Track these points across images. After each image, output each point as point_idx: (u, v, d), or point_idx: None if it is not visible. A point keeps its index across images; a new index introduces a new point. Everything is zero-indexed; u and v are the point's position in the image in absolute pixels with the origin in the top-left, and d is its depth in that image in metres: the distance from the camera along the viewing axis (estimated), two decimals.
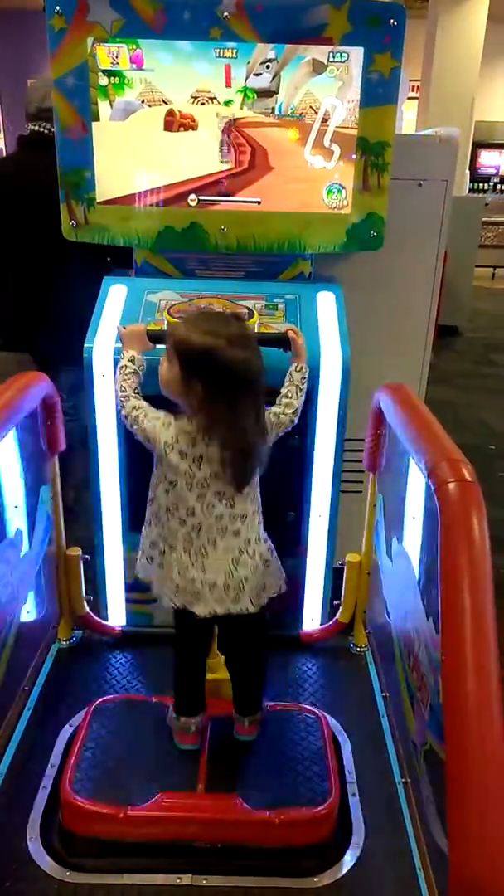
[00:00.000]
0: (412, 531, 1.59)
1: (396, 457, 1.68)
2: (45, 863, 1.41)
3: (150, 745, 1.61)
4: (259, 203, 1.86)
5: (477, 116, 8.41)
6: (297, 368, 1.59)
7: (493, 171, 10.95)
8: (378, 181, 1.84)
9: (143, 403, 1.47)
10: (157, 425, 1.41)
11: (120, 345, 1.65)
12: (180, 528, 1.44)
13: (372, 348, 2.02)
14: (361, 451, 1.93)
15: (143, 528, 1.54)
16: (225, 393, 1.32)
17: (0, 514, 1.57)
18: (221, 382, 1.32)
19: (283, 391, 1.56)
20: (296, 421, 1.55)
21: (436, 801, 1.32)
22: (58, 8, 1.68)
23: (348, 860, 1.46)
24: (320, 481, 1.91)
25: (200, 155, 1.82)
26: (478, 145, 9.99)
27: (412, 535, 1.59)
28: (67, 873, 1.40)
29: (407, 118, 7.70)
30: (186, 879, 1.40)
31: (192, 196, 1.85)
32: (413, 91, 7.71)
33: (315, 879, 1.42)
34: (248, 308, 1.83)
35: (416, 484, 1.53)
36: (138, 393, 1.50)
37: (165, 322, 1.74)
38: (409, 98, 7.44)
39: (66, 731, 1.71)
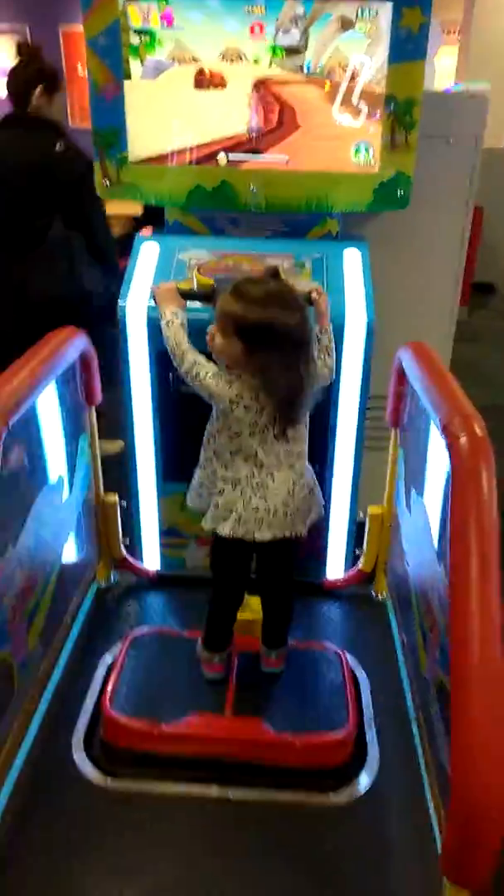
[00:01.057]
0: (431, 484, 1.66)
1: (417, 413, 1.74)
2: (89, 771, 1.59)
3: (181, 673, 1.76)
4: (287, 161, 1.90)
5: None
6: (322, 331, 1.65)
7: None
8: (406, 139, 1.85)
9: (201, 358, 1.54)
10: (221, 384, 1.50)
11: (153, 303, 1.73)
12: (244, 465, 1.56)
13: (399, 306, 2.06)
14: (385, 408, 2.00)
15: (197, 469, 1.66)
16: (284, 355, 1.44)
17: (42, 461, 1.69)
18: (281, 348, 1.44)
19: (316, 353, 1.62)
20: (331, 380, 1.65)
21: (445, 731, 1.43)
22: None
23: (362, 782, 1.60)
24: (344, 437, 1.98)
25: (230, 114, 1.86)
26: None
27: (431, 488, 1.67)
28: (108, 780, 1.57)
29: (445, 64, 7.39)
30: (213, 791, 1.55)
31: (222, 155, 1.90)
32: (453, 33, 7.37)
33: (331, 797, 1.56)
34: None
35: (436, 439, 1.60)
36: (193, 348, 1.57)
37: (194, 280, 1.81)
38: (444, 45, 7.13)
39: (106, 659, 1.88)
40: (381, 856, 1.45)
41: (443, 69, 7.01)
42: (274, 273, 1.51)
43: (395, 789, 1.58)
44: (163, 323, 1.60)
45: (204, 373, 1.51)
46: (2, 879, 1.37)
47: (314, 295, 1.66)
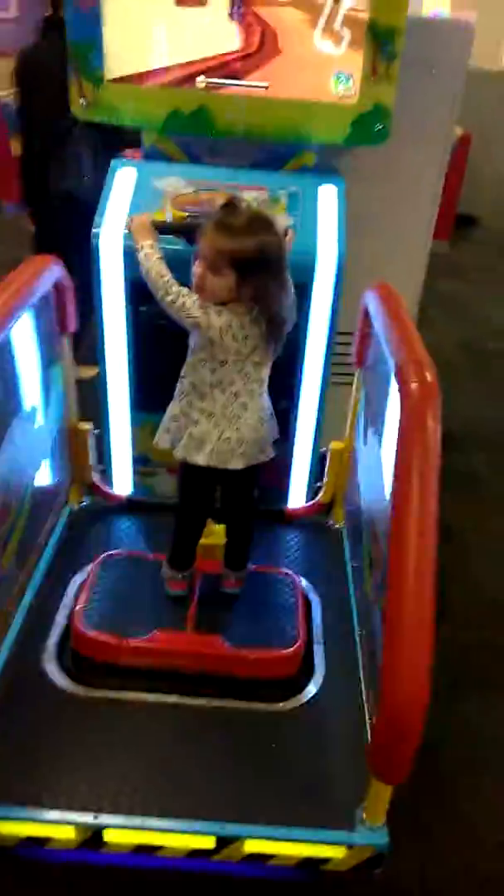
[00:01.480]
0: (389, 423, 1.74)
1: (379, 354, 1.80)
2: (59, 679, 1.72)
3: (148, 593, 1.88)
4: (266, 88, 1.86)
5: None
6: None
7: None
8: (387, 70, 1.82)
9: (185, 289, 1.55)
10: (211, 313, 1.52)
11: (127, 231, 1.72)
12: (220, 397, 1.61)
13: (373, 241, 2.08)
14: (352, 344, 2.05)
15: (172, 403, 1.70)
16: (274, 276, 1.50)
17: (17, 390, 1.73)
18: (271, 270, 1.49)
19: None
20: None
21: (381, 647, 1.57)
22: None
23: (309, 692, 1.75)
24: (311, 373, 2.04)
25: (210, 34, 1.80)
26: None
27: (388, 427, 1.75)
28: (78, 688, 1.70)
29: None
30: (174, 699, 1.69)
31: (201, 78, 1.85)
32: None
33: (280, 705, 1.71)
34: (253, 199, 1.88)
35: (394, 380, 1.67)
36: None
37: (168, 214, 1.80)
38: None
39: (76, 579, 1.99)
40: (321, 755, 1.61)
41: None
42: (239, 202, 1.54)
43: (337, 699, 1.73)
44: (140, 255, 1.60)
45: (191, 302, 1.52)
46: None
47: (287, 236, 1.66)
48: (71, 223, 2.30)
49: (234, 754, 1.59)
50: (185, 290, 1.55)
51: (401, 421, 1.28)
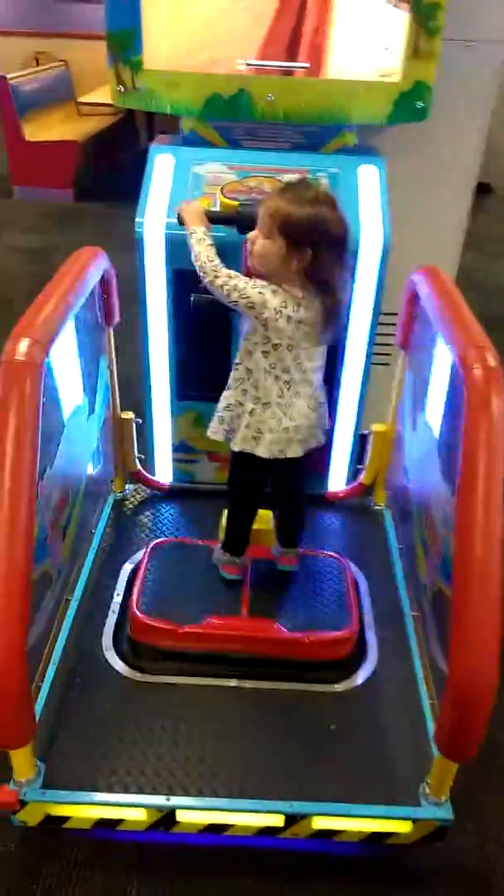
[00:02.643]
0: (436, 405, 1.75)
1: (427, 336, 1.80)
2: (119, 665, 1.75)
3: (200, 579, 1.90)
4: (307, 68, 1.83)
5: None
6: None
7: None
8: (429, 46, 1.79)
9: (235, 272, 1.55)
10: (266, 293, 1.49)
11: (174, 220, 1.71)
12: (274, 384, 1.60)
13: (411, 220, 2.06)
14: (394, 324, 2.04)
15: (225, 391, 1.68)
16: (334, 256, 1.47)
17: (71, 384, 1.74)
18: (328, 248, 1.46)
19: None
20: None
21: (438, 631, 1.60)
22: None
23: (363, 674, 1.78)
24: (354, 355, 2.04)
25: (250, 12, 1.77)
26: None
27: (435, 409, 1.75)
28: (137, 674, 1.74)
29: None
30: (232, 682, 1.73)
31: (240, 60, 1.82)
32: None
33: (335, 686, 1.75)
34: None
35: (443, 363, 1.67)
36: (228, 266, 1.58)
37: (218, 203, 1.79)
38: None
39: (127, 568, 2.02)
40: (377, 735, 1.64)
41: None
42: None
43: (391, 680, 1.76)
44: (192, 240, 1.59)
45: (243, 283, 1.51)
46: (50, 748, 1.54)
47: None
48: None
49: (296, 735, 1.62)
50: (234, 272, 1.55)
51: (466, 408, 1.28)
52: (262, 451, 1.65)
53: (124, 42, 1.78)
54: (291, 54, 1.81)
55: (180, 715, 1.64)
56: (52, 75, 6.10)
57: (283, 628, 1.76)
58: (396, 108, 1.87)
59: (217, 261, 1.56)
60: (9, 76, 5.34)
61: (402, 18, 1.75)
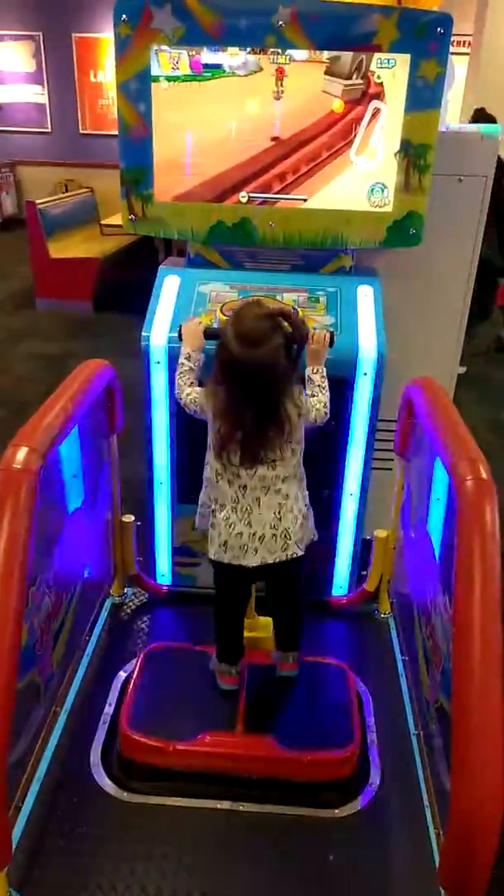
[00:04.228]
0: (435, 512, 1.75)
1: (424, 446, 1.83)
2: (106, 785, 1.67)
3: (195, 688, 1.84)
4: (305, 200, 1.99)
5: None
6: (314, 371, 1.72)
7: None
8: (419, 181, 1.94)
9: (198, 388, 1.68)
10: (210, 397, 1.61)
11: (175, 334, 1.82)
12: (228, 488, 1.62)
13: (408, 333, 2.15)
14: (393, 430, 2.08)
15: (202, 490, 1.72)
16: (244, 389, 1.52)
17: (70, 491, 1.77)
18: (239, 382, 1.53)
19: (308, 391, 1.69)
20: (327, 413, 1.69)
21: (443, 749, 1.52)
22: (124, 16, 1.80)
23: (365, 797, 1.68)
24: (353, 464, 2.07)
25: (253, 159, 1.94)
26: None
27: (434, 516, 1.75)
28: (125, 794, 1.65)
29: (458, 76, 7.45)
30: (225, 805, 1.63)
31: (243, 193, 1.99)
32: (464, 46, 7.45)
33: (336, 811, 1.64)
34: (293, 301, 1.98)
35: (440, 471, 1.69)
36: (193, 384, 1.71)
37: (217, 320, 1.90)
38: (457, 53, 7.14)
39: (120, 676, 1.96)
40: (380, 867, 1.53)
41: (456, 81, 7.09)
42: (272, 314, 1.53)
43: (394, 804, 1.66)
44: (181, 359, 1.74)
45: (191, 389, 1.68)
46: (28, 876, 1.45)
47: (309, 341, 1.69)
48: None
49: (293, 870, 1.51)
50: (198, 388, 1.68)
51: (459, 519, 1.29)
52: (210, 554, 1.65)
53: (136, 178, 1.95)
54: (289, 186, 1.97)
55: (169, 841, 1.54)
56: (79, 200, 6.64)
57: (279, 746, 1.68)
58: (390, 234, 2.00)
59: (185, 386, 1.71)
60: (38, 202, 5.79)
61: (393, 160, 1.91)
